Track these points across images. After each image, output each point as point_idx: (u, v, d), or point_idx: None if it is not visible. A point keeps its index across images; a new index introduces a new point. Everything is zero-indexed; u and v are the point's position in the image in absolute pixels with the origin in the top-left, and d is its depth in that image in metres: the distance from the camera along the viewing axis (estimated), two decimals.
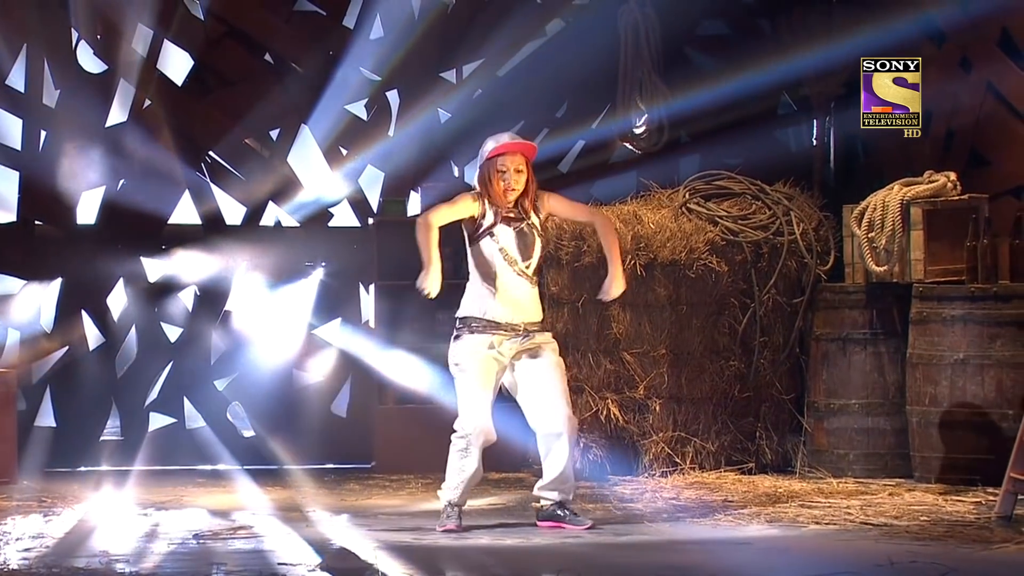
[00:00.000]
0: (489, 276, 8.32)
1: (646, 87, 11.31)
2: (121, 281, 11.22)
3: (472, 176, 11.34)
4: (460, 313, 8.42)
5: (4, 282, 11.15)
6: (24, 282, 11.11)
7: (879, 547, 7.76)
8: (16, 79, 11.07)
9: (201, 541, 8.02)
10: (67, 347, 11.12)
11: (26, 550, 7.76)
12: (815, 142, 11.60)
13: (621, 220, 10.41)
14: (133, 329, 11.23)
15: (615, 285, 8.42)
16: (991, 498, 9.02)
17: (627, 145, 11.56)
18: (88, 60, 11.19)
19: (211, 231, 11.30)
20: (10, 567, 7.26)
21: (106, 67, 11.18)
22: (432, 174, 11.45)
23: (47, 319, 11.14)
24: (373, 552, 7.61)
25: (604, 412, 10.36)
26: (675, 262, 10.40)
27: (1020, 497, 8.46)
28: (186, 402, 11.26)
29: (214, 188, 11.33)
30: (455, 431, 8.37)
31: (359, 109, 11.46)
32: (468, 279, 8.45)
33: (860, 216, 10.28)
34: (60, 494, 9.77)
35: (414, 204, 11.44)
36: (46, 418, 11.10)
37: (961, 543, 7.92)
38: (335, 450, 11.26)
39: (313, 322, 11.36)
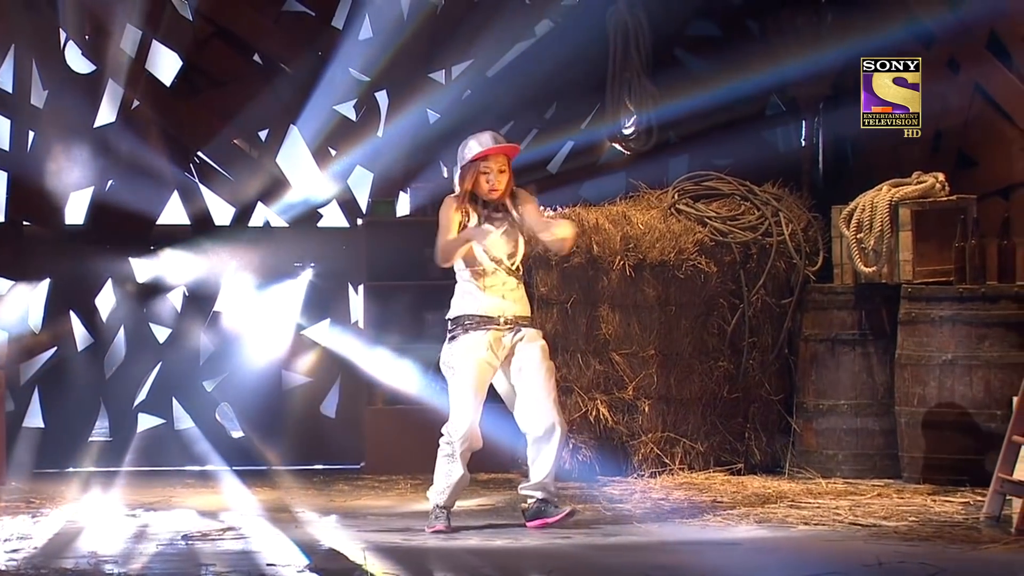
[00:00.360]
0: (476, 275, 8.36)
1: (635, 88, 11.31)
2: (109, 281, 11.20)
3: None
4: (452, 314, 8.44)
5: None
6: (12, 283, 11.09)
7: (868, 547, 7.77)
8: (4, 79, 11.06)
9: (190, 542, 8.02)
10: (55, 347, 11.10)
11: (14, 551, 7.75)
12: (804, 143, 11.61)
13: (610, 221, 10.42)
14: (122, 330, 11.21)
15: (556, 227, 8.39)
16: (979, 498, 9.03)
17: (616, 146, 11.56)
18: (76, 60, 11.18)
19: (200, 232, 11.29)
20: None
21: (94, 67, 11.17)
22: (421, 175, 11.45)
23: (35, 320, 11.12)
24: (362, 553, 7.60)
25: (593, 413, 10.36)
26: (664, 263, 10.41)
27: (1008, 497, 8.47)
28: (175, 403, 11.25)
29: (203, 189, 11.32)
30: (443, 435, 8.39)
31: (348, 110, 11.45)
32: (456, 281, 8.46)
33: (849, 217, 10.29)
34: (48, 495, 9.76)
35: (403, 205, 11.44)
36: (34, 419, 11.09)
37: (949, 543, 7.93)
38: (324, 451, 11.25)
39: (302, 323, 11.35)
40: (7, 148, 11.09)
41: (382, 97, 11.49)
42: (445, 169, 11.49)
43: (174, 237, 11.25)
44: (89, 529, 8.52)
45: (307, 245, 11.41)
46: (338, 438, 11.26)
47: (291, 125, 11.37)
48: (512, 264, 8.41)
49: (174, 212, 11.32)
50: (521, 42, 11.57)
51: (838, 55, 11.13)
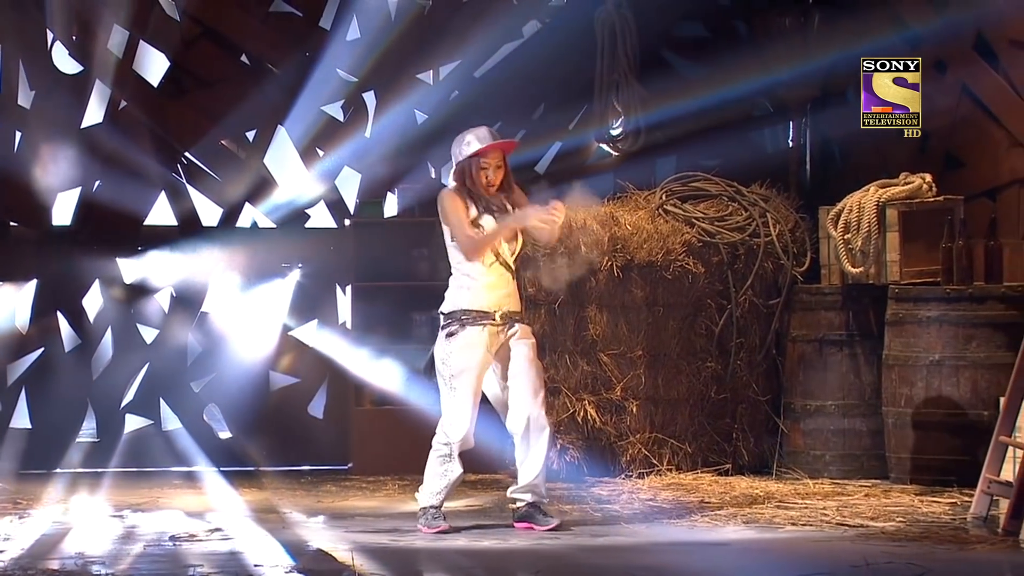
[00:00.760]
0: (475, 267, 8.35)
1: (623, 89, 11.31)
2: (97, 282, 11.19)
3: (448, 177, 11.39)
4: (447, 308, 8.42)
5: None
6: None
7: (855, 548, 7.78)
8: None
9: (177, 543, 8.00)
10: (42, 348, 11.08)
11: (0, 552, 7.73)
12: (791, 144, 11.62)
13: (598, 221, 10.42)
14: (109, 331, 11.19)
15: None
16: (966, 499, 9.05)
17: (604, 147, 11.57)
18: (64, 61, 11.16)
19: (187, 232, 11.27)
20: None
21: (81, 68, 11.15)
22: (409, 175, 11.44)
23: (23, 320, 11.10)
24: (350, 554, 7.60)
25: (581, 413, 10.37)
26: (652, 263, 10.41)
27: (995, 498, 8.48)
28: (162, 404, 11.23)
29: (190, 189, 11.31)
30: (439, 436, 8.36)
31: (336, 110, 11.44)
32: (451, 275, 8.46)
33: (836, 218, 10.30)
34: (35, 496, 9.74)
35: (391, 205, 11.44)
36: (21, 419, 11.07)
37: (937, 543, 7.94)
38: (311, 452, 11.24)
39: (289, 323, 11.34)
40: None
41: (370, 98, 11.48)
42: (433, 170, 11.48)
43: (161, 238, 11.23)
44: (76, 530, 8.51)
45: (295, 246, 11.39)
46: (326, 439, 11.25)
47: (279, 126, 11.36)
48: (511, 258, 8.43)
49: (162, 213, 11.30)
50: (509, 43, 11.57)
51: (825, 56, 11.14)
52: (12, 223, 11.18)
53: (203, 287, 11.27)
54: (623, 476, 10.33)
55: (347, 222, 11.37)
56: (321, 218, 11.51)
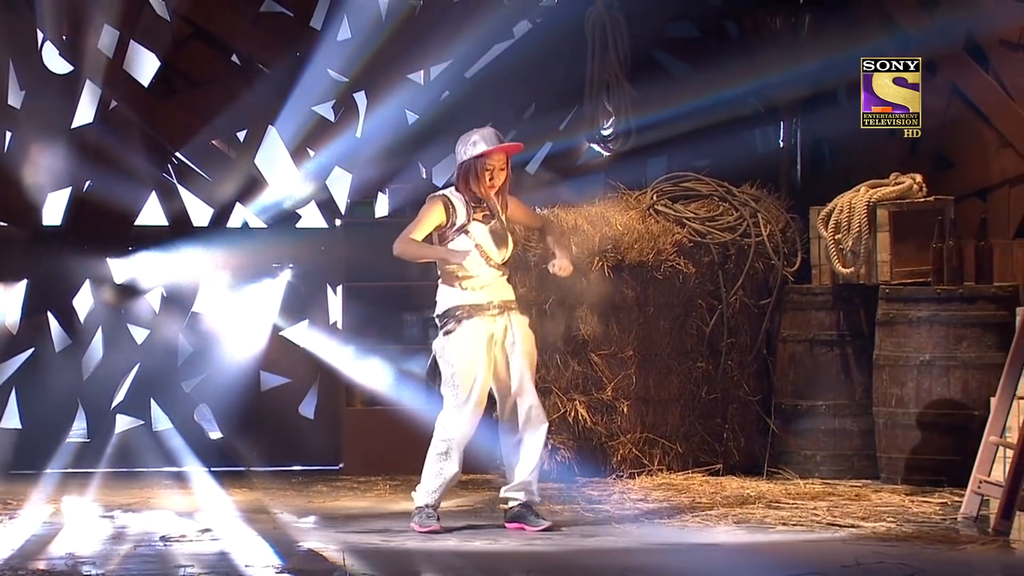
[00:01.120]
0: (465, 272, 8.34)
1: (614, 89, 11.31)
2: (87, 282, 11.17)
3: (439, 177, 11.40)
4: (440, 309, 8.41)
5: None
6: None
7: (846, 548, 7.78)
8: None
9: (167, 543, 8.00)
10: (33, 348, 11.07)
11: None
12: (782, 144, 11.62)
13: (589, 222, 10.42)
14: (99, 331, 11.18)
15: (567, 261, 8.45)
16: (957, 499, 9.06)
17: (595, 147, 11.57)
18: (54, 60, 11.14)
19: (178, 232, 11.26)
20: None
21: (72, 68, 11.14)
22: (400, 175, 11.44)
23: (13, 320, 11.08)
24: (341, 554, 7.59)
25: (572, 414, 10.36)
26: (643, 263, 10.41)
27: (985, 498, 8.49)
28: (153, 404, 11.22)
29: (181, 189, 11.30)
30: (438, 432, 8.35)
31: (326, 110, 11.44)
32: (440, 279, 8.45)
33: (827, 218, 10.31)
34: (25, 496, 9.72)
35: (382, 205, 11.43)
36: (11, 420, 11.05)
37: (927, 544, 7.95)
38: (302, 452, 11.23)
39: (280, 323, 11.33)
40: None
41: (361, 98, 11.48)
42: (424, 170, 11.48)
43: (152, 238, 11.22)
44: (66, 530, 8.50)
45: (286, 246, 11.38)
46: (317, 439, 11.24)
47: (269, 126, 11.35)
48: (501, 262, 8.43)
49: (152, 213, 11.29)
50: (500, 43, 11.57)
51: (816, 58, 11.15)
52: (2, 223, 11.16)
53: (194, 287, 11.26)
54: (614, 476, 10.33)
55: (338, 222, 11.36)
56: (312, 218, 11.50)
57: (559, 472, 10.28)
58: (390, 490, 10.04)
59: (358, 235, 11.09)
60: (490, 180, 8.38)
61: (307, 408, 11.36)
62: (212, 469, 10.89)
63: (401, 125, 11.47)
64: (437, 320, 8.43)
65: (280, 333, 11.31)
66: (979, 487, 8.47)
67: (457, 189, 8.44)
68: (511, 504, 8.46)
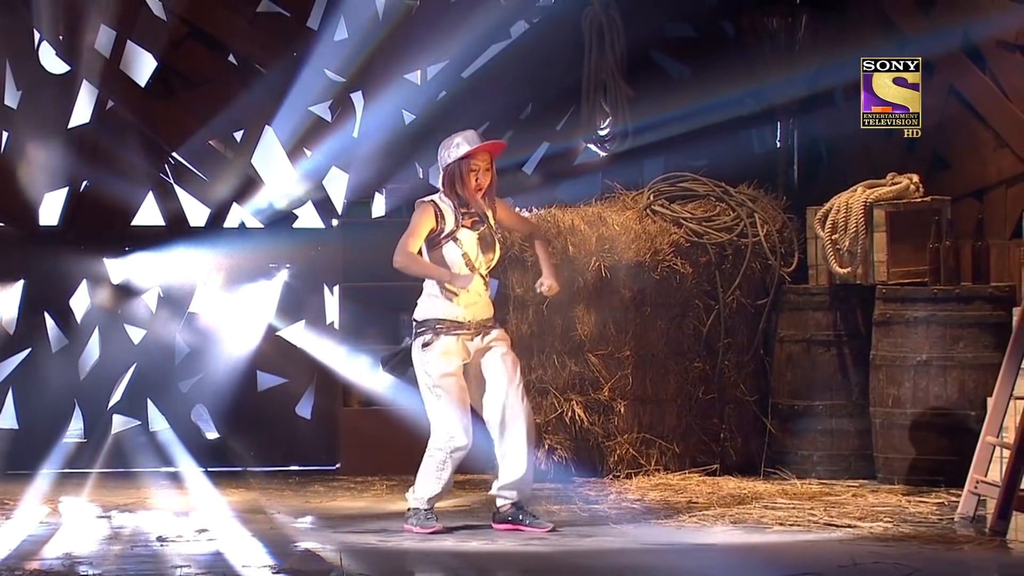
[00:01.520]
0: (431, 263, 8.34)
1: (610, 89, 11.32)
2: (84, 282, 11.17)
3: (436, 177, 11.38)
4: (420, 315, 8.40)
5: None
6: None
7: (842, 548, 7.78)
8: None
9: (164, 543, 8.00)
10: (29, 348, 11.07)
11: None
12: (779, 144, 11.62)
13: (586, 222, 10.42)
14: (96, 331, 11.17)
15: (553, 280, 8.45)
16: (954, 499, 9.06)
17: (592, 147, 11.57)
18: (51, 60, 11.14)
19: (175, 232, 11.26)
20: None
21: (68, 68, 11.14)
22: (396, 175, 11.43)
23: (9, 320, 11.07)
24: (338, 554, 7.59)
25: (569, 414, 10.36)
26: (640, 264, 10.41)
27: (982, 498, 8.49)
28: (150, 404, 11.22)
29: (178, 189, 11.30)
30: (434, 442, 8.33)
31: (323, 111, 11.43)
32: (424, 282, 8.44)
33: (824, 218, 10.31)
34: (22, 496, 9.72)
35: (378, 205, 11.43)
36: (8, 420, 11.05)
37: (924, 544, 7.95)
38: (299, 452, 11.23)
39: (277, 324, 11.33)
40: None
41: (357, 98, 11.47)
42: (420, 170, 11.48)
43: (149, 238, 11.21)
44: (63, 530, 8.49)
45: (283, 246, 11.38)
46: (313, 439, 11.24)
47: (266, 126, 11.35)
48: (487, 269, 8.41)
49: (149, 213, 11.29)
50: (496, 43, 11.56)
51: (813, 57, 11.15)
52: None
53: (191, 287, 11.26)
54: (611, 476, 10.33)
55: (335, 222, 11.36)
56: (309, 218, 11.50)
57: (556, 472, 10.28)
58: (387, 490, 10.04)
59: (355, 235, 11.09)
60: (476, 181, 8.35)
61: (304, 408, 11.36)
62: (208, 469, 10.89)
63: (398, 125, 11.47)
64: (414, 324, 8.42)
65: (277, 333, 11.31)
66: (976, 487, 8.47)
67: (444, 195, 8.42)
68: (501, 504, 8.43)
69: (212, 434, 11.29)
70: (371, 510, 9.31)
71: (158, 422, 11.23)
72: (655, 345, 10.49)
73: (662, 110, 11.35)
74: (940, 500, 9.31)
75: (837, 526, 8.51)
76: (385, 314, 10.98)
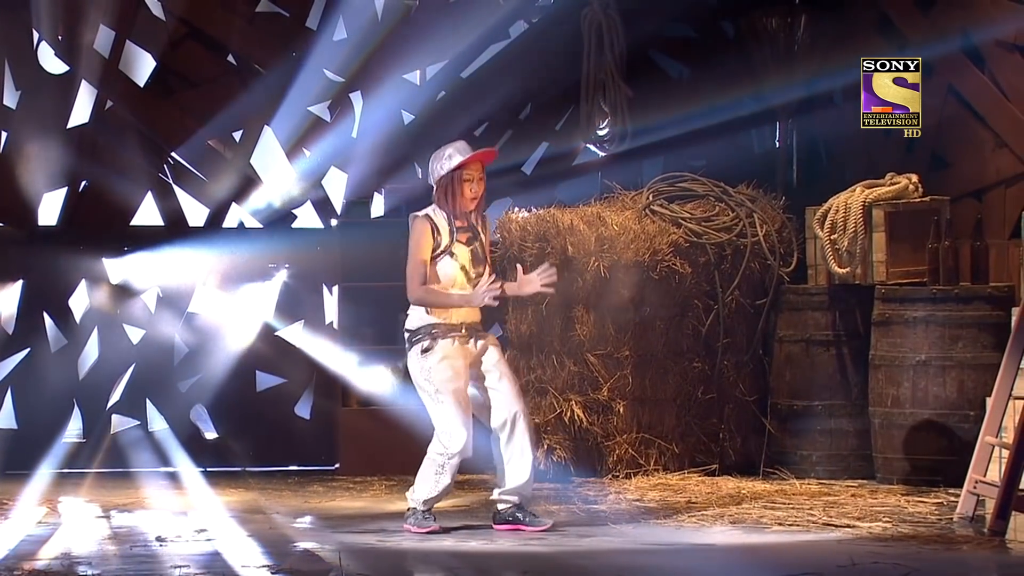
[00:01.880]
0: (444, 290, 8.35)
1: (609, 89, 11.31)
2: (83, 282, 11.17)
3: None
4: (414, 324, 8.38)
5: None
6: None
7: (842, 548, 7.79)
8: None
9: (163, 543, 8.00)
10: (28, 348, 11.07)
11: None
12: (778, 144, 11.63)
13: (585, 222, 10.43)
14: (95, 331, 11.17)
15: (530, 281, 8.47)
16: (953, 499, 9.06)
17: (591, 147, 11.57)
18: (50, 61, 11.14)
19: (174, 232, 11.26)
20: None
21: (68, 68, 11.14)
22: (395, 175, 11.44)
23: (8, 320, 11.07)
24: (337, 554, 7.59)
25: (568, 414, 10.36)
26: (639, 264, 10.41)
27: (981, 498, 8.49)
28: (149, 404, 11.22)
29: (177, 189, 11.30)
30: (435, 446, 8.33)
31: (322, 110, 11.44)
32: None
33: (823, 218, 10.31)
34: (21, 496, 9.71)
35: (377, 205, 11.43)
36: (7, 420, 11.05)
37: (923, 544, 7.95)
38: (298, 452, 11.23)
39: (276, 324, 11.33)
40: None
41: (356, 98, 11.48)
42: (419, 170, 11.48)
43: (148, 238, 11.21)
44: (62, 530, 8.49)
45: (282, 246, 11.38)
46: (312, 439, 11.24)
47: (265, 126, 11.35)
48: (479, 278, 8.43)
49: (148, 213, 11.29)
50: (495, 43, 11.57)
51: (812, 57, 11.15)
52: None
53: (190, 287, 11.26)
54: (610, 476, 10.33)
55: (334, 222, 11.36)
56: (308, 218, 11.50)
57: (555, 472, 10.28)
58: (386, 490, 10.04)
59: (354, 235, 11.09)
60: (471, 191, 8.36)
61: (303, 408, 11.36)
62: (207, 469, 10.89)
63: (397, 125, 11.47)
64: (408, 334, 8.42)
65: (276, 333, 11.31)
66: (975, 487, 8.47)
67: (437, 207, 8.42)
68: (502, 506, 8.44)
69: (211, 434, 11.29)
70: (370, 510, 9.31)
71: (157, 422, 11.23)
72: (654, 345, 10.49)
73: (661, 110, 11.35)
74: (939, 500, 9.31)
75: (836, 526, 8.51)
76: (384, 314, 10.98)
